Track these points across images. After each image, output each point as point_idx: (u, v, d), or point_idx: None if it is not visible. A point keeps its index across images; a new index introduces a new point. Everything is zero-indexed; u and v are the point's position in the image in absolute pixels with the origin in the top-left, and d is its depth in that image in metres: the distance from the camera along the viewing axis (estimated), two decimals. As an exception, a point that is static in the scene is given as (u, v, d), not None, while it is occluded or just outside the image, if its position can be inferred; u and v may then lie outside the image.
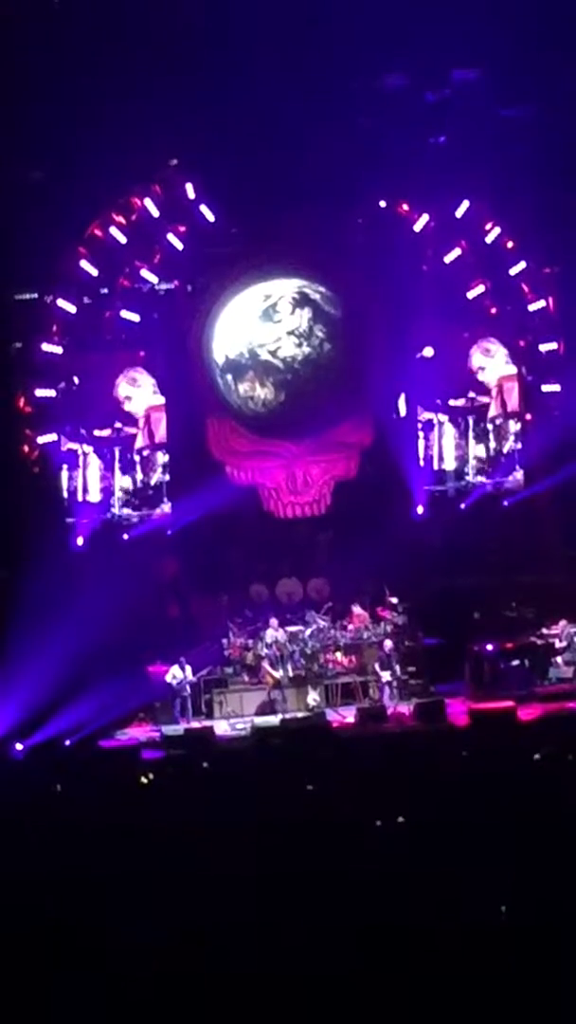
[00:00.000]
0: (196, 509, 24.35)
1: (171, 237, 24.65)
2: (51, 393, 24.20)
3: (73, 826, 12.58)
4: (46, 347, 24.12)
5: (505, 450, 25.75)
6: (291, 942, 8.75)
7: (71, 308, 24.19)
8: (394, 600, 24.06)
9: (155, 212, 24.49)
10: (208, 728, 22.03)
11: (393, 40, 22.56)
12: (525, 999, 7.96)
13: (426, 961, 8.27)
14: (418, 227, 25.12)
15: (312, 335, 25.38)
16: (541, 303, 25.43)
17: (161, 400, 24.81)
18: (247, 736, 21.53)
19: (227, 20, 21.54)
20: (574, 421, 24.60)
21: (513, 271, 25.34)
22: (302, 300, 25.34)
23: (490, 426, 25.78)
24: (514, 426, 25.75)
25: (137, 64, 21.92)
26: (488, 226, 25.21)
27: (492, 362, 25.82)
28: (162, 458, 24.86)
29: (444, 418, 25.63)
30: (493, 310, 25.72)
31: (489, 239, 25.26)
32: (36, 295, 24.29)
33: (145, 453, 24.78)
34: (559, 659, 23.27)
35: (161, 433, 24.83)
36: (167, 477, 24.83)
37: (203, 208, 24.52)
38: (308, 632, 23.72)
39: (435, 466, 25.65)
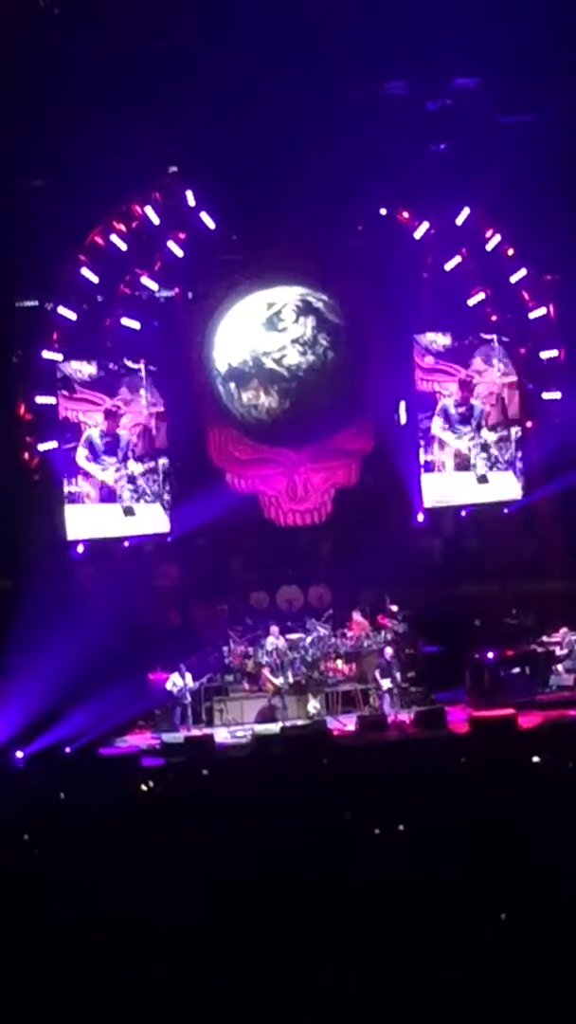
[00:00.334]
0: (196, 517, 24.36)
1: (172, 244, 24.65)
2: (52, 400, 24.22)
3: (73, 833, 12.57)
4: (47, 354, 24.14)
5: (505, 458, 25.75)
6: (291, 948, 8.75)
7: (72, 316, 24.20)
8: (394, 608, 24.02)
9: (155, 219, 24.48)
10: (208, 736, 21.98)
11: (394, 48, 22.54)
12: (524, 1001, 7.95)
13: (426, 962, 8.26)
14: (418, 234, 25.10)
15: (316, 343, 25.39)
16: (542, 310, 25.43)
17: (161, 408, 24.81)
18: (247, 744, 21.48)
19: (228, 28, 21.53)
20: (575, 429, 24.61)
21: (513, 278, 25.36)
22: (306, 308, 25.35)
23: (491, 434, 25.78)
24: (514, 433, 25.76)
25: (137, 71, 21.91)
26: (488, 233, 25.21)
27: (492, 369, 25.84)
28: (162, 465, 24.85)
29: (445, 425, 25.65)
30: (494, 317, 25.71)
31: (489, 246, 25.26)
32: (37, 303, 24.29)
33: (146, 461, 24.76)
34: (560, 667, 23.24)
35: (161, 440, 24.83)
36: (168, 485, 24.83)
37: (204, 215, 24.52)
38: (309, 640, 23.68)
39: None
